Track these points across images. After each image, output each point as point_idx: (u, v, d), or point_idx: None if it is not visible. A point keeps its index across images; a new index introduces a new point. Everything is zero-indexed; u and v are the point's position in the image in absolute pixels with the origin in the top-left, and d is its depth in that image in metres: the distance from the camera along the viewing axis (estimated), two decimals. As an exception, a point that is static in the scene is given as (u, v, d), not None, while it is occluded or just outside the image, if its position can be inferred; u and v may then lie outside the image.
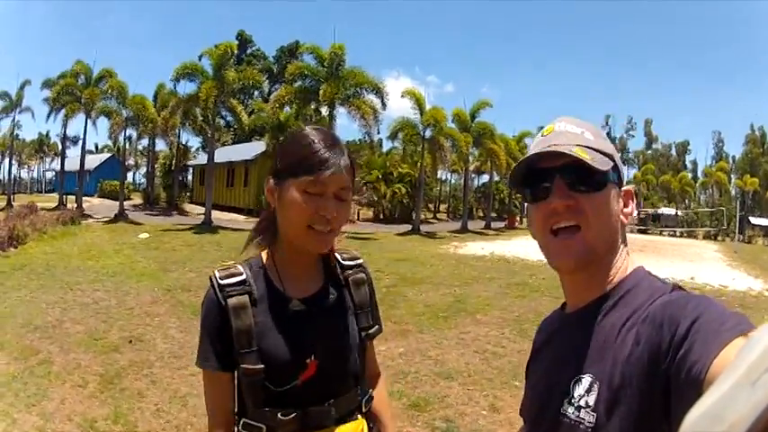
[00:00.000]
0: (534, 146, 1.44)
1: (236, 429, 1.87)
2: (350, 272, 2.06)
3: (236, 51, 36.62)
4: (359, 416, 1.98)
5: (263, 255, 1.96)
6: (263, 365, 1.77)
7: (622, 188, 1.41)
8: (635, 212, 1.42)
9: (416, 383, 7.37)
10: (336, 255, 2.07)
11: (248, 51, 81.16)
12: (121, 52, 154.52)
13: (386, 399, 2.29)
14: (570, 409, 1.24)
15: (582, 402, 1.22)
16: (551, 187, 1.35)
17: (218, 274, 1.85)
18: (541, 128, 1.55)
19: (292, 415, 1.81)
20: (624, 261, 1.38)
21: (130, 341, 8.51)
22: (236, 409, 1.91)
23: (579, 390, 1.24)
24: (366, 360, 2.10)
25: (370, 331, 2.05)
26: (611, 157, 1.36)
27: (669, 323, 1.08)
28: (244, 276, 1.86)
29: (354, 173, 1.87)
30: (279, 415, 1.80)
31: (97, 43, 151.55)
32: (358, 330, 2.00)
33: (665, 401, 1.04)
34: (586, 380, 1.23)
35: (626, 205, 1.41)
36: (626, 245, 1.42)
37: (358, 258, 2.13)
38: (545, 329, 1.62)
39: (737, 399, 0.57)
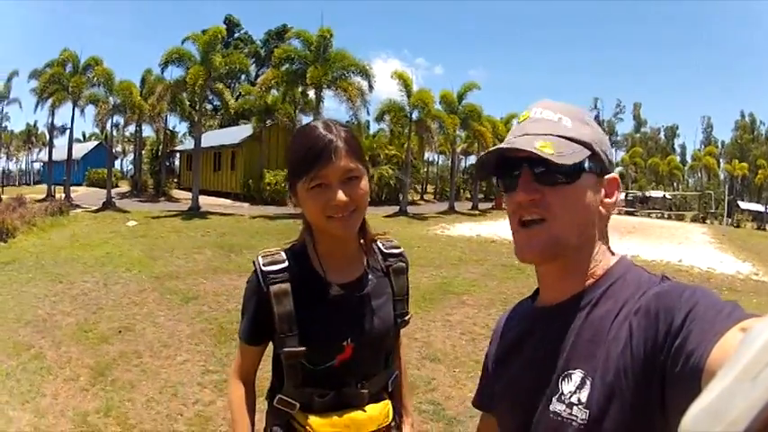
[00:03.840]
0: (510, 133, 1.39)
1: (270, 404, 2.04)
2: (391, 260, 2.18)
3: (224, 36, 36.43)
4: (385, 396, 2.11)
5: (307, 240, 2.06)
6: (303, 348, 1.90)
7: (606, 176, 1.34)
8: (619, 200, 1.36)
9: (403, 367, 7.42)
10: (379, 243, 2.19)
11: (236, 35, 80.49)
12: (108, 44, 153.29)
13: (406, 382, 2.42)
14: (560, 407, 1.21)
15: (573, 399, 1.19)
16: (518, 179, 1.31)
17: (261, 261, 1.97)
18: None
19: (327, 395, 1.95)
20: (605, 252, 1.34)
21: (120, 331, 8.56)
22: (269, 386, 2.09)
23: (569, 386, 1.21)
24: (396, 343, 2.25)
25: (405, 318, 2.17)
26: (588, 145, 1.31)
27: (664, 314, 1.07)
28: (286, 264, 1.96)
29: (358, 149, 1.92)
30: (315, 395, 1.95)
31: (84, 35, 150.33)
32: (394, 316, 2.12)
33: (661, 393, 1.03)
34: (577, 375, 1.20)
35: (609, 195, 1.35)
36: (606, 237, 1.37)
37: (399, 248, 2.24)
38: (516, 323, 1.54)
39: (737, 395, 0.57)
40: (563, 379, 1.23)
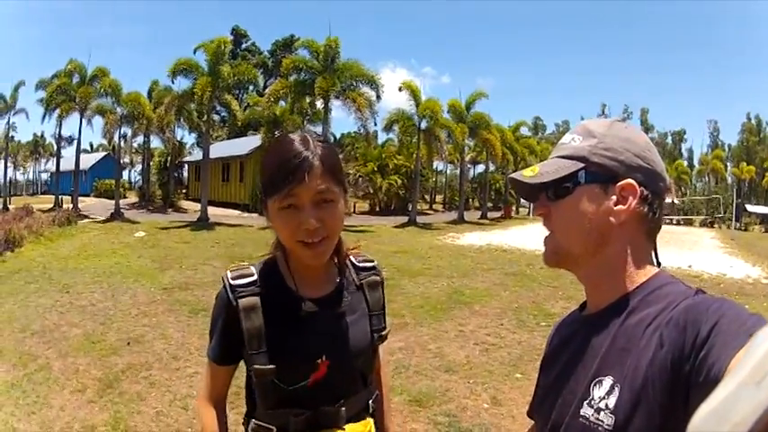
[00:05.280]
0: None
1: (245, 429, 1.94)
2: (365, 274, 2.08)
3: (230, 46, 36.51)
4: (366, 416, 1.99)
5: (279, 255, 1.97)
6: (273, 366, 1.80)
7: (619, 183, 1.34)
8: (632, 206, 1.33)
9: (417, 378, 7.35)
10: (351, 258, 2.09)
11: (243, 46, 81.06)
12: (116, 55, 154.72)
13: (387, 403, 2.30)
14: (589, 411, 1.23)
15: (602, 404, 1.21)
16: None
17: (229, 275, 1.88)
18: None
19: (303, 416, 1.84)
20: (641, 262, 1.36)
21: (128, 343, 8.48)
22: (245, 410, 1.98)
23: (599, 392, 1.23)
24: (374, 360, 2.13)
25: (382, 333, 2.07)
26: (581, 158, 1.36)
27: (692, 326, 1.08)
28: (255, 277, 1.87)
29: (335, 169, 1.81)
30: (290, 416, 1.83)
31: (91, 46, 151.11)
32: (371, 332, 2.02)
33: (685, 404, 1.04)
34: (607, 381, 1.23)
35: (621, 202, 1.34)
36: (642, 246, 1.38)
37: (372, 261, 2.14)
38: (562, 331, 1.60)
39: (742, 398, 0.60)
40: (594, 384, 1.25)
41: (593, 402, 1.23)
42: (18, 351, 7.97)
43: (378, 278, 2.11)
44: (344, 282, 2.01)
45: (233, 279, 1.86)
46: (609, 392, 1.21)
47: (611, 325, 1.29)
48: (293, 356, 1.83)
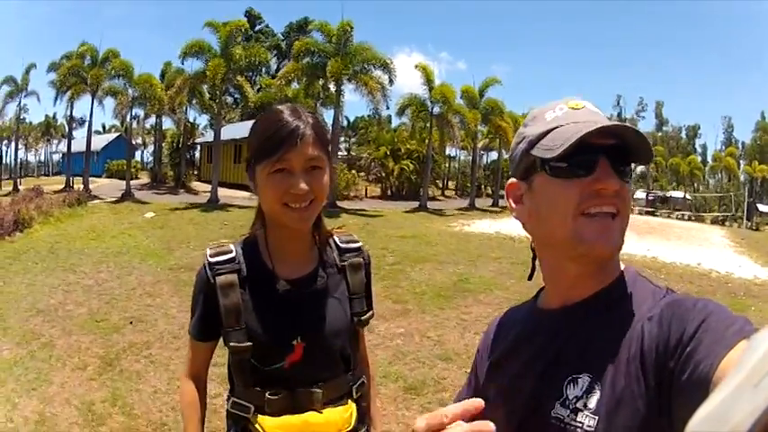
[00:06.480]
0: (565, 118, 1.25)
1: (226, 407, 1.98)
2: (348, 255, 2.08)
3: (247, 29, 36.42)
4: (348, 401, 2.00)
5: (260, 233, 2.00)
6: (250, 343, 1.84)
7: None
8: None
9: (414, 365, 7.39)
10: (335, 238, 2.10)
11: (257, 28, 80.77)
12: (128, 37, 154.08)
13: (373, 388, 2.31)
14: (565, 412, 1.16)
15: (579, 404, 1.14)
16: (596, 165, 1.18)
17: (209, 252, 1.94)
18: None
19: (280, 395, 1.87)
20: (619, 259, 1.30)
21: (131, 322, 8.60)
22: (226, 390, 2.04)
23: (575, 391, 1.16)
24: (356, 344, 2.12)
25: (363, 317, 2.06)
26: None
27: (677, 323, 1.05)
28: (233, 254, 1.92)
29: (324, 139, 1.89)
30: (267, 394, 1.87)
31: (103, 28, 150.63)
32: (351, 316, 2.02)
33: (669, 402, 1.01)
34: (584, 380, 1.16)
35: None
36: None
37: (357, 242, 2.14)
38: (514, 328, 1.47)
39: (740, 401, 0.59)
40: (569, 383, 1.18)
41: (567, 402, 1.17)
42: (23, 329, 8.10)
43: (361, 260, 2.11)
44: (324, 263, 2.03)
45: (211, 256, 1.91)
46: (587, 391, 1.14)
47: (587, 320, 1.24)
48: (268, 336, 1.86)
